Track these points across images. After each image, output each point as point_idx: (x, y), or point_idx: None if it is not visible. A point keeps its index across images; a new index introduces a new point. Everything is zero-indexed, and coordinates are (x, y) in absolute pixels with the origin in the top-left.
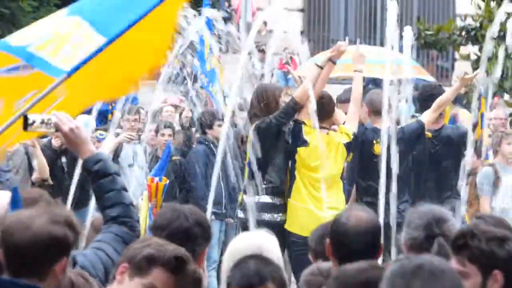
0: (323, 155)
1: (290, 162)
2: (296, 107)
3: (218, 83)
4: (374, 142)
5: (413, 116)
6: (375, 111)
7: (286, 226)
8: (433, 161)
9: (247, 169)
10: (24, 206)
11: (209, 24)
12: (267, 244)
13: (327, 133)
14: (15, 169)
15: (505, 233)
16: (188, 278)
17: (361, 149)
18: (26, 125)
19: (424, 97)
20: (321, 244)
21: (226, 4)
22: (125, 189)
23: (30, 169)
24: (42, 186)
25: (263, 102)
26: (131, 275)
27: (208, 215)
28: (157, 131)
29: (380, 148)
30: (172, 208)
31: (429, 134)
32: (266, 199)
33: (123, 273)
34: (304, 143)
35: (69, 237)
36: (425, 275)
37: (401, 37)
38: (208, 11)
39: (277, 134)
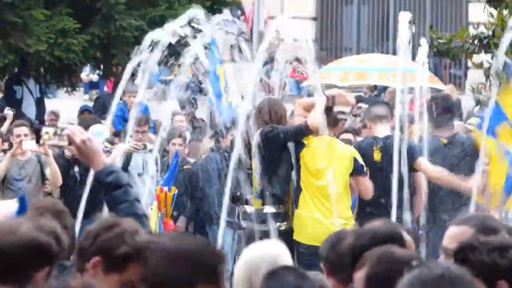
0: (326, 156)
1: (295, 173)
2: (307, 132)
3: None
4: (374, 148)
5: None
6: (372, 118)
7: (295, 236)
8: (448, 167)
9: (255, 177)
10: (36, 215)
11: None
12: (282, 254)
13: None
14: (28, 178)
15: (504, 241)
16: None
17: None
18: (38, 137)
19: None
20: (333, 253)
21: (239, 12)
22: (138, 200)
23: (43, 178)
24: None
25: (268, 113)
26: (107, 270)
27: (222, 224)
28: (168, 140)
29: (379, 155)
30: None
31: (444, 140)
32: (271, 209)
33: (95, 266)
34: (302, 145)
35: (54, 247)
36: (446, 285)
37: (413, 46)
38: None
39: (282, 146)
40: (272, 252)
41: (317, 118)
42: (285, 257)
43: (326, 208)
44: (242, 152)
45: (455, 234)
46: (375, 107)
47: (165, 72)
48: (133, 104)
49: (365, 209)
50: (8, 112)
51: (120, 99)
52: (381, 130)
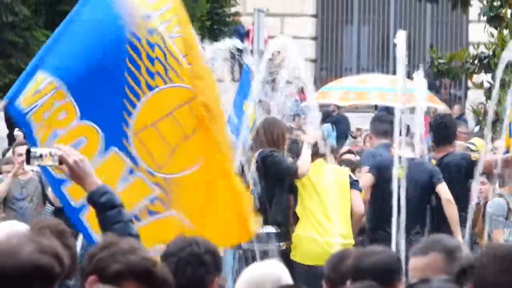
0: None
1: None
2: (296, 177)
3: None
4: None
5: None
6: (377, 131)
7: (292, 256)
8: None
9: (252, 196)
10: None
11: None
12: (284, 274)
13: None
14: (29, 198)
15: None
16: (158, 282)
17: (379, 176)
18: (29, 158)
19: (437, 128)
20: (334, 272)
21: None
22: (131, 221)
23: (44, 197)
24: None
25: (270, 133)
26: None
27: None
28: None
29: (402, 175)
30: (183, 237)
31: (433, 161)
32: (270, 229)
33: (91, 284)
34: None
35: (56, 268)
36: None
37: (413, 66)
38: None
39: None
40: (275, 272)
41: (305, 165)
42: (287, 277)
43: (322, 227)
44: (240, 171)
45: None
46: (378, 121)
47: None
48: None
49: (377, 227)
50: (19, 133)
51: None
52: (406, 152)
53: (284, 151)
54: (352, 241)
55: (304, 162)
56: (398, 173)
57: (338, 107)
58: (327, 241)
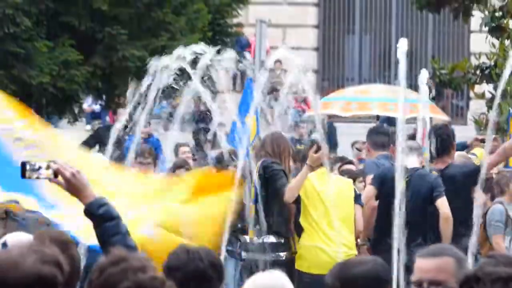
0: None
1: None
2: (286, 201)
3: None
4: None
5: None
6: (374, 143)
7: (297, 266)
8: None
9: (253, 207)
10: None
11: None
12: (287, 284)
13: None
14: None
15: (507, 272)
16: None
17: (382, 187)
18: (24, 171)
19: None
20: (338, 282)
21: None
22: (129, 233)
23: None
24: None
25: (277, 147)
26: None
27: (223, 253)
28: (173, 171)
29: (406, 186)
30: (186, 249)
31: (434, 173)
32: (271, 239)
33: None
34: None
35: (58, 277)
36: None
37: (415, 76)
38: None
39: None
40: (278, 282)
41: (293, 192)
42: (290, 287)
43: (327, 237)
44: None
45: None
46: (377, 133)
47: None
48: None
49: (383, 238)
50: None
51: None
52: (411, 161)
53: (287, 166)
54: (355, 252)
55: (293, 188)
56: (401, 185)
57: (329, 116)
58: (335, 251)
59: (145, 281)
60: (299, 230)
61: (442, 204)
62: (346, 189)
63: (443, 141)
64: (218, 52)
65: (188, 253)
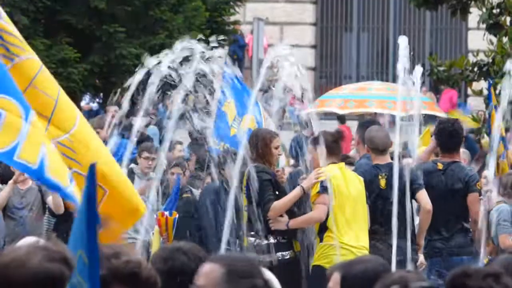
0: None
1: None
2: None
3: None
4: (380, 177)
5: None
6: (375, 148)
7: (320, 263)
8: (438, 193)
9: (245, 213)
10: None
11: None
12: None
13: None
14: (29, 207)
15: (497, 270)
16: (144, 283)
17: (369, 187)
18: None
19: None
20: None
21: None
22: None
23: (44, 206)
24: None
25: (255, 147)
26: None
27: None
28: (168, 168)
29: (384, 182)
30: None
31: (440, 165)
32: (273, 239)
33: None
34: None
35: (65, 273)
36: None
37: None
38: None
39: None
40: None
41: (277, 211)
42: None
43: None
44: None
45: None
46: (377, 136)
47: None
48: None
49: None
50: None
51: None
52: (384, 158)
53: (275, 160)
54: (368, 252)
55: (279, 209)
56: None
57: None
58: (360, 248)
59: (120, 266)
60: (322, 228)
61: (423, 196)
62: (361, 187)
63: (453, 137)
64: (212, 48)
65: (173, 249)
